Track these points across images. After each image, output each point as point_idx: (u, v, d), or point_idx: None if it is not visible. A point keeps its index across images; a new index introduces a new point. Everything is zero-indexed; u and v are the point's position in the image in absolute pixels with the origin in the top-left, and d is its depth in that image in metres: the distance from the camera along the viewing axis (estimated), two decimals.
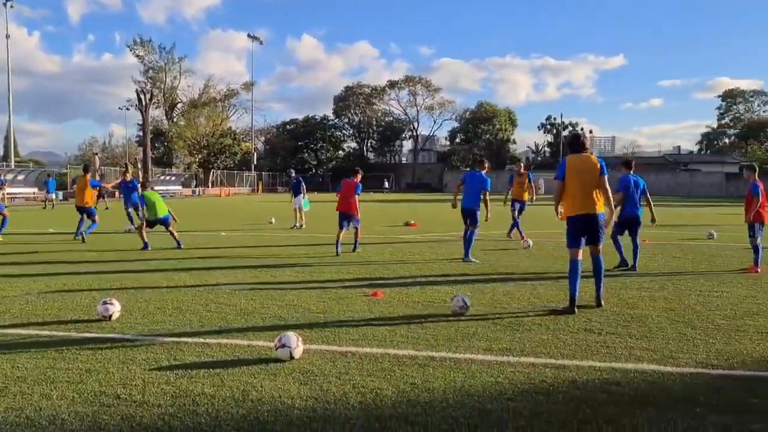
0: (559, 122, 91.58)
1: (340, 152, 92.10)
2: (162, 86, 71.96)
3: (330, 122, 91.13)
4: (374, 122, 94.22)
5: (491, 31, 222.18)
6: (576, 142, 7.24)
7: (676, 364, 4.93)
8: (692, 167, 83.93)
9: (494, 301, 7.42)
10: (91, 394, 4.16)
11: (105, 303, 6.32)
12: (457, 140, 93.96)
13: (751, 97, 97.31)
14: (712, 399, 4.12)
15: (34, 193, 43.04)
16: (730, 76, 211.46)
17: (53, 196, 33.26)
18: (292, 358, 4.87)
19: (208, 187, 67.98)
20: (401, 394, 4.21)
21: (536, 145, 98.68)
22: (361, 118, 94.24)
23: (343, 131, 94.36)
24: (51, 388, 4.27)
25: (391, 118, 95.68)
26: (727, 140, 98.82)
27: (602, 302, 7.00)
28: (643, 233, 10.31)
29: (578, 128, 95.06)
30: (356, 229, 12.48)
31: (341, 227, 12.20)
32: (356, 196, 12.25)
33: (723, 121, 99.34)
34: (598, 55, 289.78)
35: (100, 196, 22.27)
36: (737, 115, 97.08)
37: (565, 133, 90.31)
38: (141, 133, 68.71)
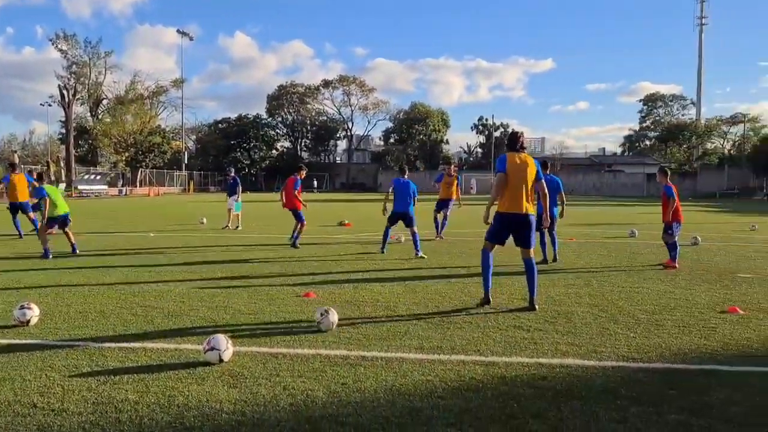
0: (491, 123, 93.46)
1: (274, 151, 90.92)
2: (86, 82, 69.15)
3: (263, 121, 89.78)
4: (308, 121, 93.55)
5: (426, 32, 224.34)
6: (515, 140, 7.20)
7: (599, 358, 5.10)
8: (616, 168, 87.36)
9: (426, 299, 7.49)
10: (4, 404, 3.95)
11: (23, 307, 6.03)
12: (391, 140, 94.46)
13: (671, 101, 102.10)
14: (633, 391, 4.28)
15: None
16: (651, 81, 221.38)
17: None
18: (221, 361, 4.76)
19: (136, 186, 65.81)
20: (332, 394, 4.18)
21: (468, 146, 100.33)
22: (295, 118, 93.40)
23: (277, 130, 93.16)
24: None
25: (326, 118, 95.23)
26: (648, 142, 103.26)
27: (536, 305, 6.95)
28: (571, 232, 10.70)
29: (510, 129, 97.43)
30: (297, 224, 13.15)
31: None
32: (295, 191, 12.98)
33: (644, 124, 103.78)
34: (528, 58, 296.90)
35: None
36: (657, 118, 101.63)
37: (497, 134, 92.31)
38: (64, 131, 65.94)
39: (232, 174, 19.82)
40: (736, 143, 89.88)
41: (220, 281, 8.75)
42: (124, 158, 68.23)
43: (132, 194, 60.06)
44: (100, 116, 72.24)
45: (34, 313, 6.02)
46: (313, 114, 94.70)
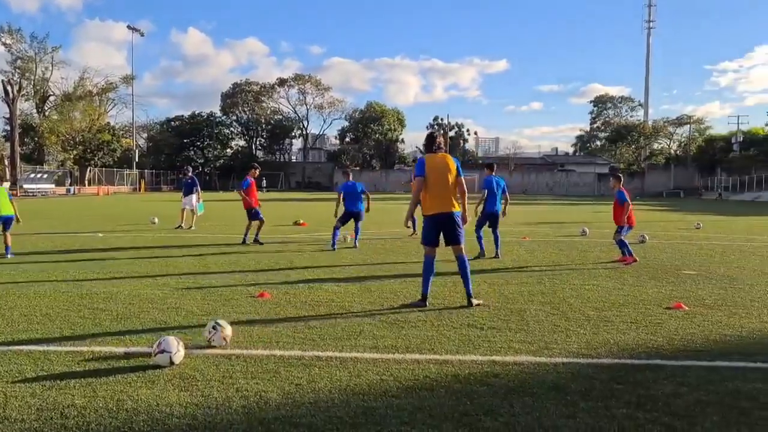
0: (446, 123, 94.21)
1: (228, 150, 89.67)
2: (32, 77, 66.91)
3: (217, 119, 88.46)
4: (263, 120, 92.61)
5: (381, 31, 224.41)
6: (432, 142, 7.30)
7: (551, 354, 5.19)
8: (568, 168, 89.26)
9: (381, 299, 7.50)
10: None
11: None
12: (347, 139, 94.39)
13: (620, 102, 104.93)
14: (583, 386, 4.37)
15: None
16: (601, 83, 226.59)
17: None
18: (172, 363, 4.68)
19: (84, 185, 64.06)
20: (286, 395, 4.15)
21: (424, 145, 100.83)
22: (250, 116, 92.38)
23: (231, 129, 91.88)
24: None
25: (281, 117, 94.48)
26: (598, 143, 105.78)
27: (473, 301, 7.04)
28: (524, 231, 10.93)
29: (464, 129, 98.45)
30: (252, 222, 13.74)
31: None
32: (242, 190, 13.71)
33: (595, 125, 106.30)
34: (483, 58, 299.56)
35: None
36: (607, 119, 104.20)
37: (452, 133, 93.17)
38: (8, 127, 63.56)
39: (190, 173, 18.99)
40: (682, 144, 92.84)
41: (172, 282, 8.58)
42: (72, 156, 66.27)
43: (81, 193, 58.46)
44: (46, 113, 69.97)
45: None
46: (269, 112, 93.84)
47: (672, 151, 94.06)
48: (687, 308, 7.07)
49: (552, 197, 61.50)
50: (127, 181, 71.30)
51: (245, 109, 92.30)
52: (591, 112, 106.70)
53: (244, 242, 13.48)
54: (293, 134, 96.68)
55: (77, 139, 65.03)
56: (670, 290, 8.29)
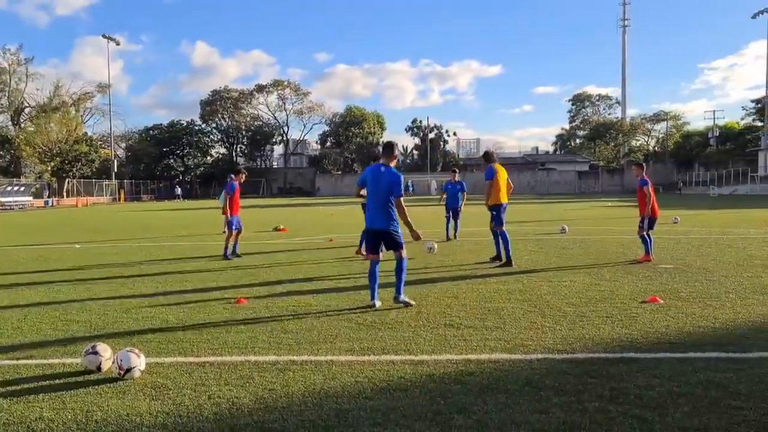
0: (426, 125, 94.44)
1: (209, 158, 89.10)
2: (6, 89, 66.16)
3: (197, 127, 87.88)
4: (243, 127, 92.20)
5: (386, 36, 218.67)
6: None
7: (526, 351, 5.21)
8: (549, 166, 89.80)
9: (358, 302, 7.47)
10: None
11: None
12: (328, 144, 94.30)
13: (597, 101, 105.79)
14: (556, 382, 4.39)
15: None
16: (596, 85, 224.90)
17: None
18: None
19: (63, 197, 63.33)
20: (259, 401, 4.12)
21: (405, 148, 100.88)
22: (230, 123, 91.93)
23: (211, 136, 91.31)
24: None
25: (261, 123, 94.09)
26: (578, 141, 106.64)
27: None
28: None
29: (443, 130, 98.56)
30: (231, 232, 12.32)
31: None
32: (226, 196, 12.48)
33: (574, 124, 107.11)
34: (481, 62, 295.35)
35: None
36: (586, 117, 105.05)
37: (432, 135, 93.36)
38: None
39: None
40: (660, 140, 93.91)
41: (148, 292, 8.49)
42: (49, 168, 65.43)
43: (59, 205, 57.75)
44: (22, 125, 69.16)
45: None
46: (248, 119, 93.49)
47: (650, 148, 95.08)
48: (662, 301, 7.13)
49: (533, 196, 61.82)
50: (106, 191, 70.56)
51: (225, 116, 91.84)
52: (570, 111, 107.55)
53: (225, 257, 12.07)
54: (274, 140, 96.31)
55: (54, 151, 64.22)
56: (647, 284, 8.36)
